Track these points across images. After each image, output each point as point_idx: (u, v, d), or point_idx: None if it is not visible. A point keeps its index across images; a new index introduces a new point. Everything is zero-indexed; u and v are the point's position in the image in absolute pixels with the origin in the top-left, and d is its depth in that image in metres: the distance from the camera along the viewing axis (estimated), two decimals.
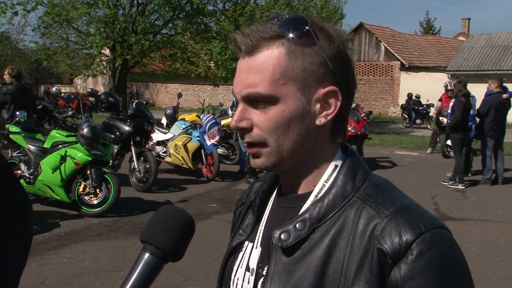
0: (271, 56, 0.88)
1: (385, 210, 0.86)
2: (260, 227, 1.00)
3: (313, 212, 0.89)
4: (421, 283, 0.79)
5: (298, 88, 0.89)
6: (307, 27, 0.88)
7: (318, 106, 0.91)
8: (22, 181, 7.05)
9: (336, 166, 0.94)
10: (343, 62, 0.92)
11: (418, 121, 22.18)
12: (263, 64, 0.89)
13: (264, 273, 0.92)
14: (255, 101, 0.90)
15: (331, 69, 0.90)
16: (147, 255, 0.91)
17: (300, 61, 0.88)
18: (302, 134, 0.91)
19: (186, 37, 20.48)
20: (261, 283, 0.92)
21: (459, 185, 9.16)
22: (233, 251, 1.06)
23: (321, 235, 0.87)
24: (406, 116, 22.77)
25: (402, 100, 26.62)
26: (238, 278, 1.00)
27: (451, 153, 10.64)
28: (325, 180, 0.93)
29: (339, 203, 0.89)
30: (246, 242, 1.03)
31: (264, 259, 0.94)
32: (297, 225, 0.89)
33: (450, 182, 9.27)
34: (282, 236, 0.89)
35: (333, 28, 0.93)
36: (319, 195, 0.92)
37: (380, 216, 0.85)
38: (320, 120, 0.91)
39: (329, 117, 0.91)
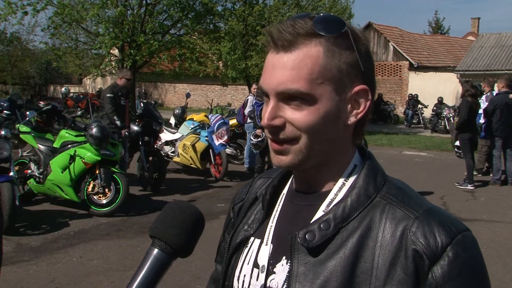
0: (309, 54, 0.88)
1: (414, 211, 0.87)
2: (270, 224, 0.99)
3: (337, 212, 0.89)
4: (459, 284, 0.82)
5: (333, 88, 0.89)
6: (345, 28, 0.89)
7: (349, 105, 0.92)
8: (32, 180, 7.11)
9: (355, 166, 0.95)
10: (370, 63, 0.94)
11: (414, 120, 23.20)
12: (302, 61, 0.88)
13: (275, 270, 0.92)
14: (288, 98, 0.90)
15: (362, 70, 0.91)
16: (156, 250, 0.90)
17: (337, 61, 0.89)
18: (333, 133, 0.91)
19: (194, 37, 20.53)
20: (285, 282, 0.90)
21: (468, 185, 9.10)
22: (238, 247, 1.04)
23: (347, 236, 0.87)
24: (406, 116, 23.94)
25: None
26: (244, 275, 0.99)
27: (461, 154, 10.57)
28: (344, 179, 0.93)
29: (363, 203, 0.89)
30: (252, 238, 1.02)
31: (276, 257, 0.94)
32: (321, 225, 0.88)
33: (461, 182, 9.21)
34: (307, 236, 0.88)
35: (358, 29, 0.94)
36: (339, 194, 0.92)
37: (410, 218, 0.86)
38: (350, 120, 0.92)
39: (359, 116, 0.92)
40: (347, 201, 0.90)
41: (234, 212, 1.13)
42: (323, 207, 0.92)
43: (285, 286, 0.91)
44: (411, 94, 24.03)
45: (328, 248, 0.87)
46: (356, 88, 0.91)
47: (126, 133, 7.85)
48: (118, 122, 7.73)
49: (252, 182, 1.14)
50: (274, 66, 0.90)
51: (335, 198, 0.92)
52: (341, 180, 0.93)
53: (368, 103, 0.92)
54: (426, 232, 0.83)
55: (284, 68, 0.89)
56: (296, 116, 0.89)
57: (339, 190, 0.92)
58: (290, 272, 0.90)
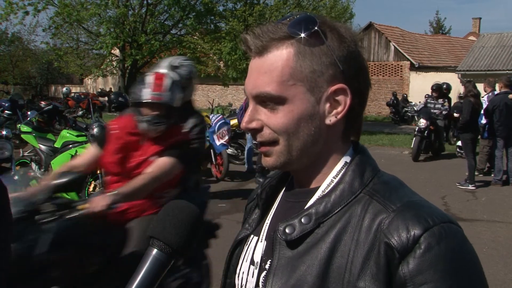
0: (280, 56, 0.89)
1: (392, 205, 0.85)
2: (266, 221, 1.01)
3: (319, 206, 0.89)
4: (430, 277, 0.78)
5: (307, 89, 0.89)
6: (315, 27, 0.88)
7: (327, 105, 0.91)
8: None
9: (346, 163, 0.94)
10: (355, 62, 0.91)
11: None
12: (272, 64, 0.89)
13: (267, 266, 0.92)
14: (264, 101, 0.91)
15: (341, 69, 0.89)
16: (155, 251, 0.91)
17: (309, 61, 0.88)
18: (312, 134, 0.91)
19: (195, 37, 20.57)
20: (264, 277, 0.92)
21: (469, 185, 9.10)
22: (238, 245, 1.07)
23: (326, 230, 0.87)
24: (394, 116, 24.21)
25: (411, 100, 26.53)
26: (243, 272, 1.00)
27: (463, 154, 10.58)
28: (333, 176, 0.93)
29: (346, 198, 0.89)
30: (251, 236, 1.03)
31: (268, 253, 0.94)
32: (302, 219, 0.89)
33: (462, 183, 9.21)
34: (286, 230, 0.89)
35: (345, 28, 0.92)
36: (327, 191, 0.92)
37: (387, 211, 0.84)
38: (330, 120, 0.91)
39: (339, 116, 0.91)
40: (330, 196, 0.90)
41: (246, 211, 1.15)
42: (309, 203, 0.92)
43: (262, 279, 0.92)
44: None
45: (307, 242, 0.88)
46: (333, 88, 0.89)
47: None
48: None
49: (262, 182, 1.15)
50: (251, 71, 0.92)
51: (322, 195, 0.92)
52: (330, 177, 0.93)
53: (348, 101, 0.90)
54: (399, 225, 0.81)
55: (258, 72, 0.91)
56: (271, 119, 0.91)
57: (327, 187, 0.92)
58: (270, 265, 0.90)
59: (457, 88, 23.14)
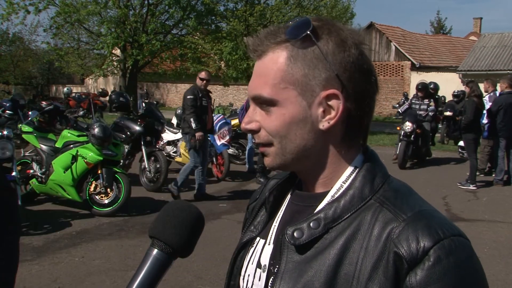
0: (274, 60, 0.90)
1: (403, 214, 0.84)
2: (274, 224, 1.00)
3: (329, 211, 0.88)
4: None
5: (298, 93, 0.89)
6: (308, 31, 0.88)
7: (320, 110, 0.89)
8: (34, 180, 7.12)
9: (355, 168, 0.93)
10: (353, 66, 0.89)
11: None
12: (267, 67, 0.90)
13: (275, 270, 0.92)
14: (261, 103, 0.92)
15: (336, 73, 0.88)
16: (155, 251, 0.90)
17: (301, 65, 0.88)
18: (306, 138, 0.91)
19: (196, 37, 20.58)
20: (271, 281, 0.91)
21: (471, 185, 9.09)
22: (243, 247, 1.05)
23: (335, 236, 0.87)
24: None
25: None
26: (249, 275, 1.00)
27: (465, 154, 10.55)
28: (343, 181, 0.92)
29: (356, 204, 0.88)
30: (258, 238, 1.02)
31: (276, 257, 0.94)
32: (311, 224, 0.88)
33: (463, 183, 9.21)
34: (295, 234, 0.88)
35: (349, 30, 0.91)
36: (336, 196, 0.91)
37: (398, 220, 0.84)
38: (323, 125, 0.90)
39: (332, 122, 0.90)
40: (340, 202, 0.89)
41: (249, 211, 1.14)
42: (319, 208, 0.91)
43: (270, 282, 0.91)
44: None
45: (316, 247, 0.87)
46: (325, 93, 0.88)
47: (200, 137, 7.52)
48: (193, 124, 7.52)
49: (267, 182, 1.14)
50: (253, 73, 0.94)
51: (331, 200, 0.91)
52: (339, 182, 0.92)
53: (341, 107, 0.89)
54: (409, 235, 0.81)
55: (256, 74, 0.93)
56: (266, 121, 0.92)
57: (336, 192, 0.92)
58: (278, 269, 0.90)
59: (456, 88, 23.13)
